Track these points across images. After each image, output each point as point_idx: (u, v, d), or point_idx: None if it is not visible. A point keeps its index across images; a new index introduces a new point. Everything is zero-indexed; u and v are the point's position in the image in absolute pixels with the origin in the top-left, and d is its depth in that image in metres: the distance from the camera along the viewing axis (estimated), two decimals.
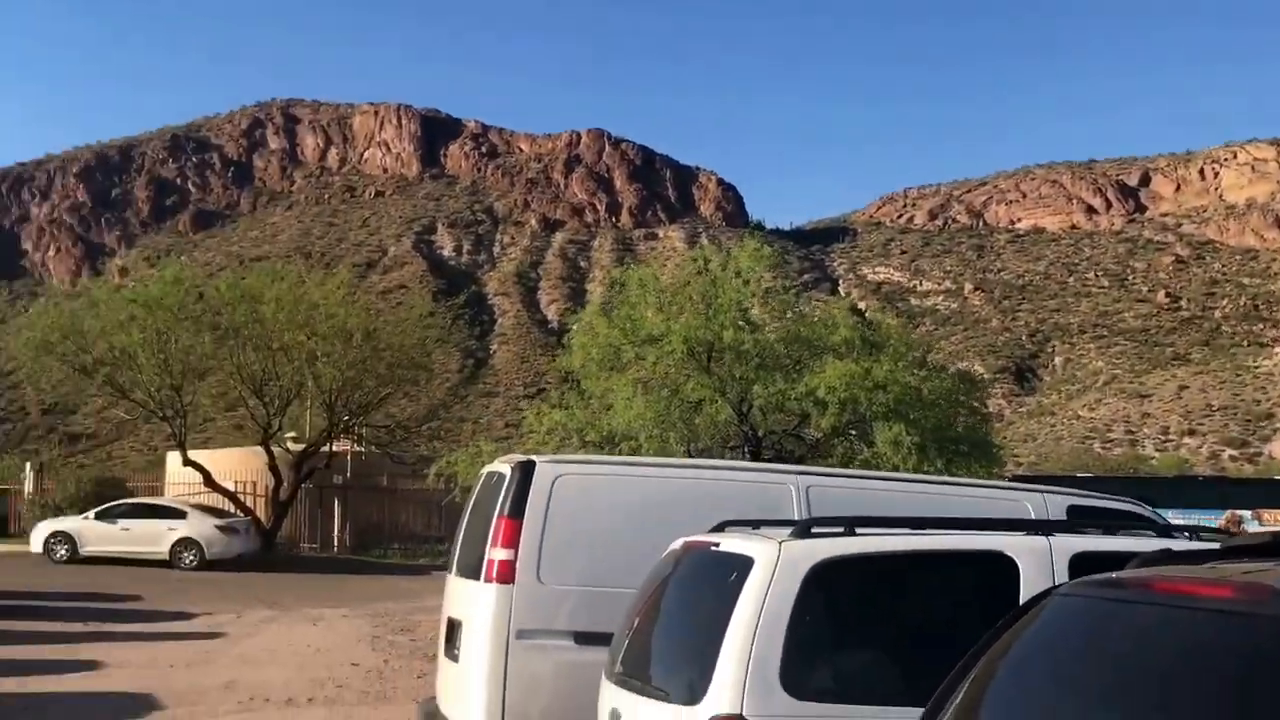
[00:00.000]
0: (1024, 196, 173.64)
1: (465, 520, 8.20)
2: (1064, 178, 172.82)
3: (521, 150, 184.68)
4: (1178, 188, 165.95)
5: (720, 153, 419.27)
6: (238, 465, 34.16)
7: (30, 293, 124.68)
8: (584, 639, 6.77)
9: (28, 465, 40.90)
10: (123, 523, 28.55)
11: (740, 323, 22.10)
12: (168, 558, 27.94)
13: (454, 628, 7.56)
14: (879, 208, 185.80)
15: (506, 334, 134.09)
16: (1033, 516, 7.41)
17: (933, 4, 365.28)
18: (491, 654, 6.89)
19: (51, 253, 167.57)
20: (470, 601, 7.28)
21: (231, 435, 40.27)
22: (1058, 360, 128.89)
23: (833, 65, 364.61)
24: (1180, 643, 2.71)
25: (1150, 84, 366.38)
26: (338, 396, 33.21)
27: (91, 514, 29.25)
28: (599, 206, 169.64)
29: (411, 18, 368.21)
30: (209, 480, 32.26)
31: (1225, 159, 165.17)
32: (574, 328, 25.95)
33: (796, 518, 6.50)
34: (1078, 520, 7.21)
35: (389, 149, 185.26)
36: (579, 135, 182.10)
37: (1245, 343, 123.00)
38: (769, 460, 19.53)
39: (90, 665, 14.26)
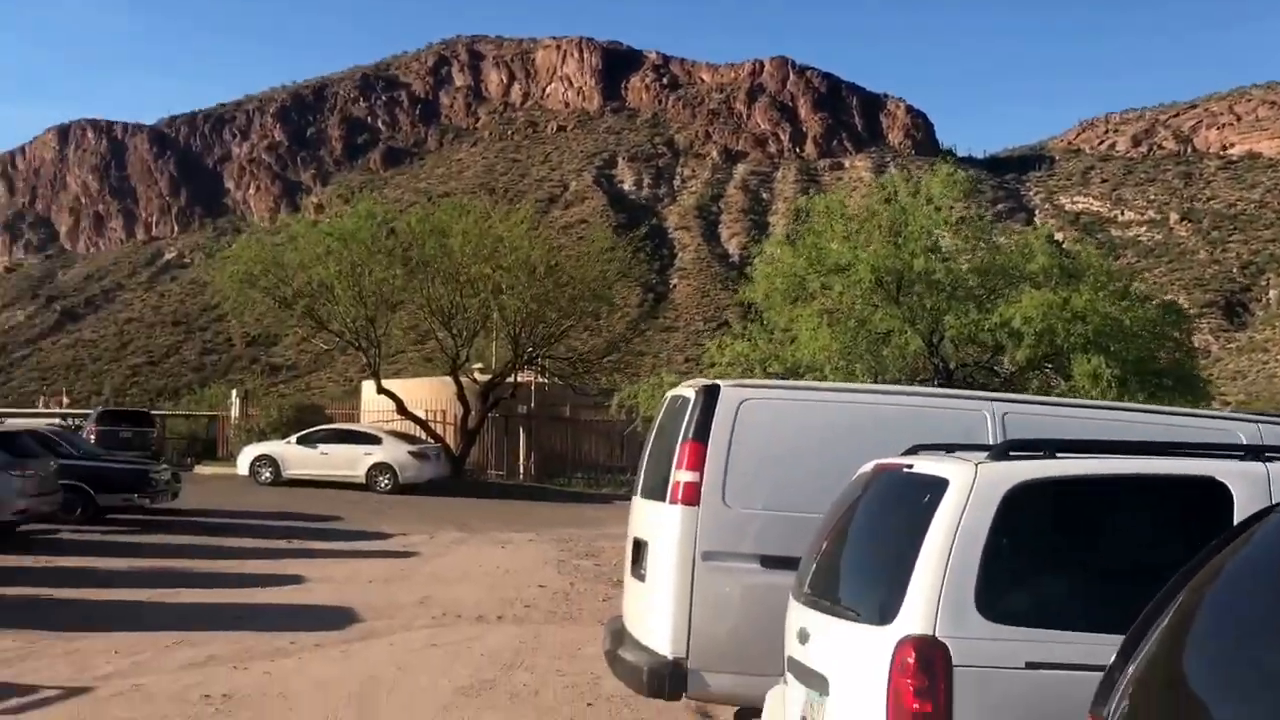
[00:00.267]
0: (1238, 120, 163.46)
1: (649, 443, 8.20)
2: None
3: (703, 81, 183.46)
4: None
5: (909, 79, 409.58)
6: (428, 394, 35.22)
7: (233, 229, 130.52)
8: (770, 563, 6.69)
9: (233, 393, 43.14)
10: (322, 447, 29.82)
11: (931, 251, 21.49)
12: (364, 481, 29.08)
13: (639, 548, 7.59)
14: (1078, 134, 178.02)
15: (687, 268, 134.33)
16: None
17: None
18: (677, 575, 6.89)
19: (251, 191, 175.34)
20: (656, 523, 7.29)
21: (421, 367, 41.55)
22: (1272, 294, 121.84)
23: None
24: None
25: None
26: (522, 328, 33.89)
27: (293, 439, 30.62)
28: (782, 137, 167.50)
29: None
30: (401, 408, 33.37)
31: None
32: (757, 258, 25.67)
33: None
34: None
35: (570, 83, 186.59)
36: (762, 64, 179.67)
37: None
38: None
39: (295, 579, 14.98)
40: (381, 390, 33.79)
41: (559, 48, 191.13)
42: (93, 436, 30.03)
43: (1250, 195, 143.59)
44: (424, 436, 32.98)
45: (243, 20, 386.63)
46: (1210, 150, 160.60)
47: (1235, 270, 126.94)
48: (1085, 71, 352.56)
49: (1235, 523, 4.37)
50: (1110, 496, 4.76)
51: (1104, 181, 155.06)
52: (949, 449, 5.31)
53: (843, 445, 6.66)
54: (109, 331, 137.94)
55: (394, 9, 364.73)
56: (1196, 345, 44.17)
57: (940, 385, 20.50)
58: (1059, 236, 25.29)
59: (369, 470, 29.19)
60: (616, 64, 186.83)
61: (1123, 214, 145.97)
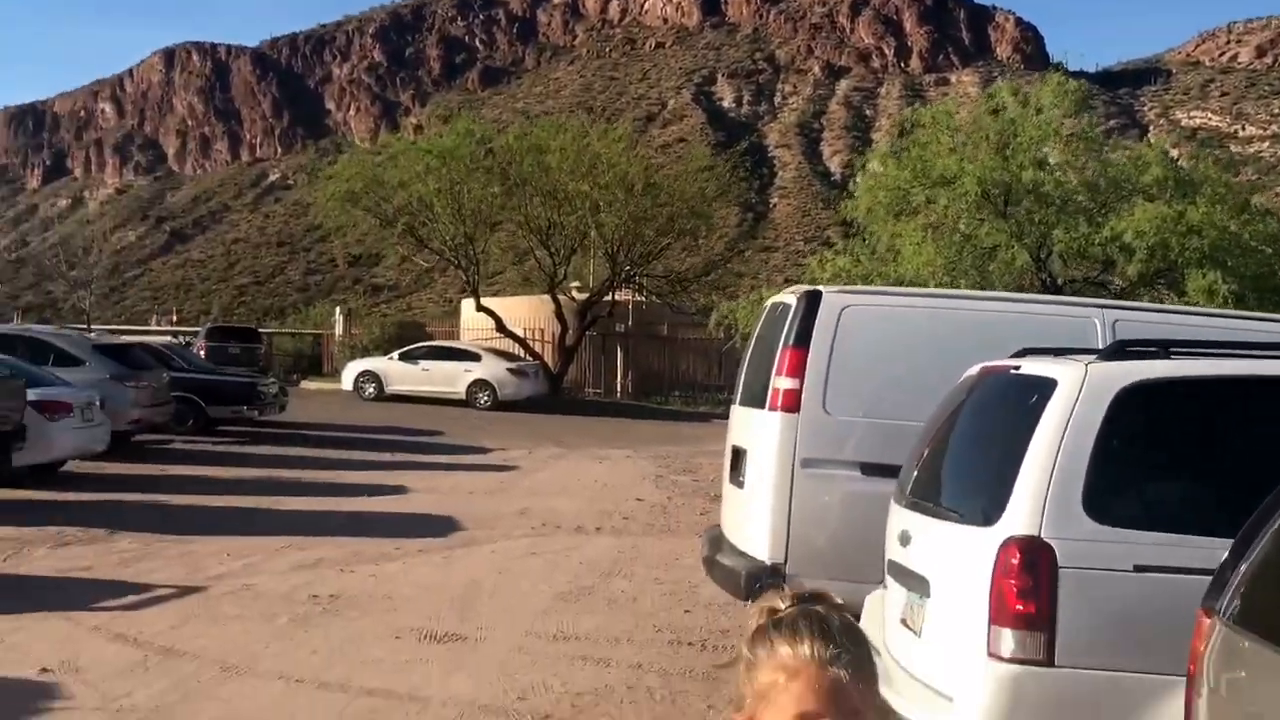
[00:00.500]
0: None
1: (749, 351, 8.13)
2: None
3: None
4: None
5: None
6: (526, 313, 35.46)
7: (335, 150, 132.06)
8: (871, 470, 6.61)
9: (337, 310, 43.96)
10: (423, 364, 30.26)
11: (1040, 165, 20.90)
12: (464, 397, 29.49)
13: (738, 456, 7.56)
14: (1197, 45, 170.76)
15: (787, 187, 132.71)
16: None
17: None
18: (776, 481, 6.84)
19: (352, 111, 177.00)
20: (755, 430, 7.23)
21: (520, 287, 41.79)
22: None
23: None
24: None
25: None
26: (619, 247, 33.88)
27: (395, 355, 31.13)
28: (886, 51, 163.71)
29: None
30: (500, 326, 33.66)
31: None
32: (860, 172, 25.21)
33: None
34: None
35: None
36: None
37: None
38: None
39: (399, 489, 15.31)
40: (480, 308, 34.10)
41: None
42: (202, 352, 30.83)
43: None
44: (522, 354, 33.28)
45: None
46: None
47: None
48: None
49: None
50: (1225, 398, 4.59)
51: (1224, 95, 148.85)
52: (1058, 353, 5.16)
53: (946, 352, 6.49)
54: (216, 252, 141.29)
55: None
56: None
57: None
58: (1174, 153, 24.32)
59: (469, 387, 29.58)
60: None
61: (1243, 129, 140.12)
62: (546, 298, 34.42)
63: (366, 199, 33.70)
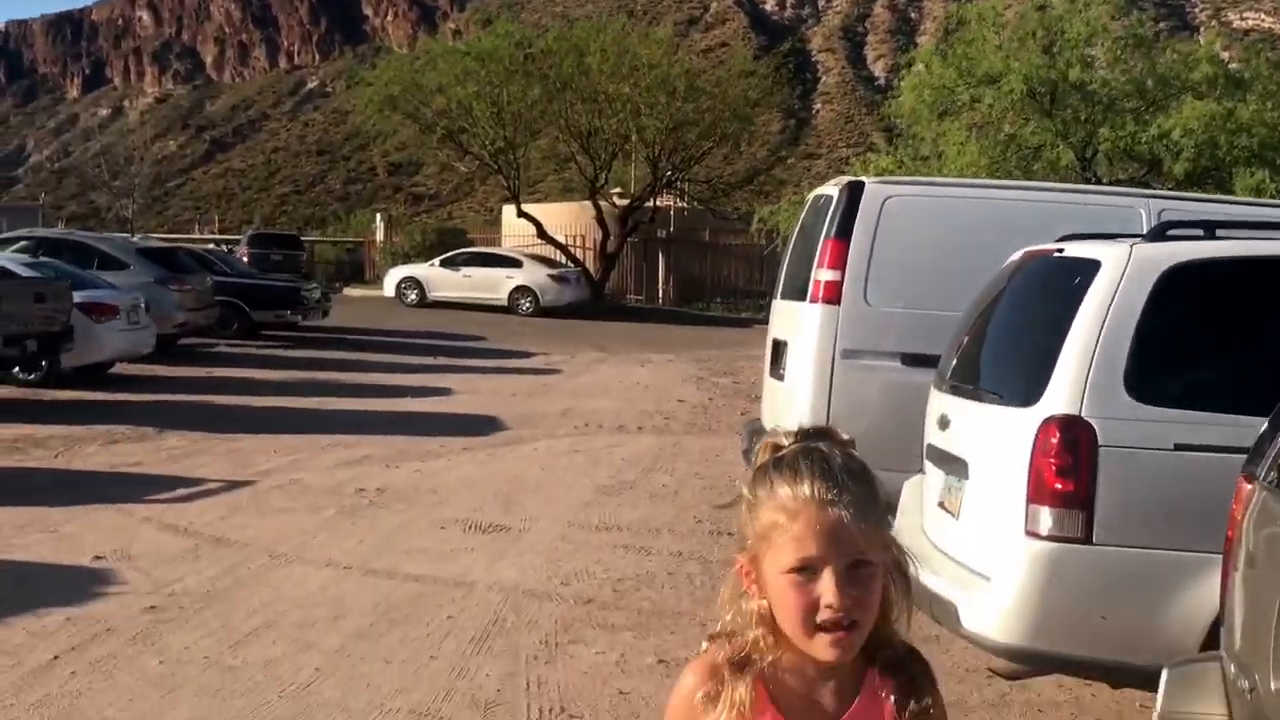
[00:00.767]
0: None
1: (791, 244, 8.10)
2: None
3: None
4: None
5: None
6: (567, 219, 35.37)
7: (373, 55, 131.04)
8: (911, 360, 6.60)
9: (378, 216, 44.05)
10: (465, 270, 30.35)
11: (1087, 64, 20.47)
12: (505, 303, 29.61)
13: (779, 349, 7.57)
14: None
15: (830, 93, 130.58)
16: None
17: None
18: (817, 372, 6.86)
19: (389, 17, 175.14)
20: (795, 322, 7.23)
21: (561, 194, 41.69)
22: None
23: None
24: None
25: None
26: (661, 151, 33.60)
27: (437, 261, 31.23)
28: None
29: None
30: (541, 232, 33.62)
31: None
32: (905, 71, 24.79)
33: None
34: None
35: None
36: None
37: None
38: None
39: (442, 391, 15.48)
40: (521, 214, 34.04)
41: None
42: (245, 259, 31.04)
43: None
44: (564, 261, 33.27)
45: None
46: None
47: None
48: None
49: None
50: (1269, 278, 4.53)
51: None
52: (1102, 238, 5.10)
53: (989, 243, 6.39)
54: (257, 161, 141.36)
55: None
56: None
57: None
58: (1224, 54, 23.69)
59: (510, 293, 29.68)
60: None
61: None
62: (588, 204, 34.29)
63: (405, 103, 33.53)
